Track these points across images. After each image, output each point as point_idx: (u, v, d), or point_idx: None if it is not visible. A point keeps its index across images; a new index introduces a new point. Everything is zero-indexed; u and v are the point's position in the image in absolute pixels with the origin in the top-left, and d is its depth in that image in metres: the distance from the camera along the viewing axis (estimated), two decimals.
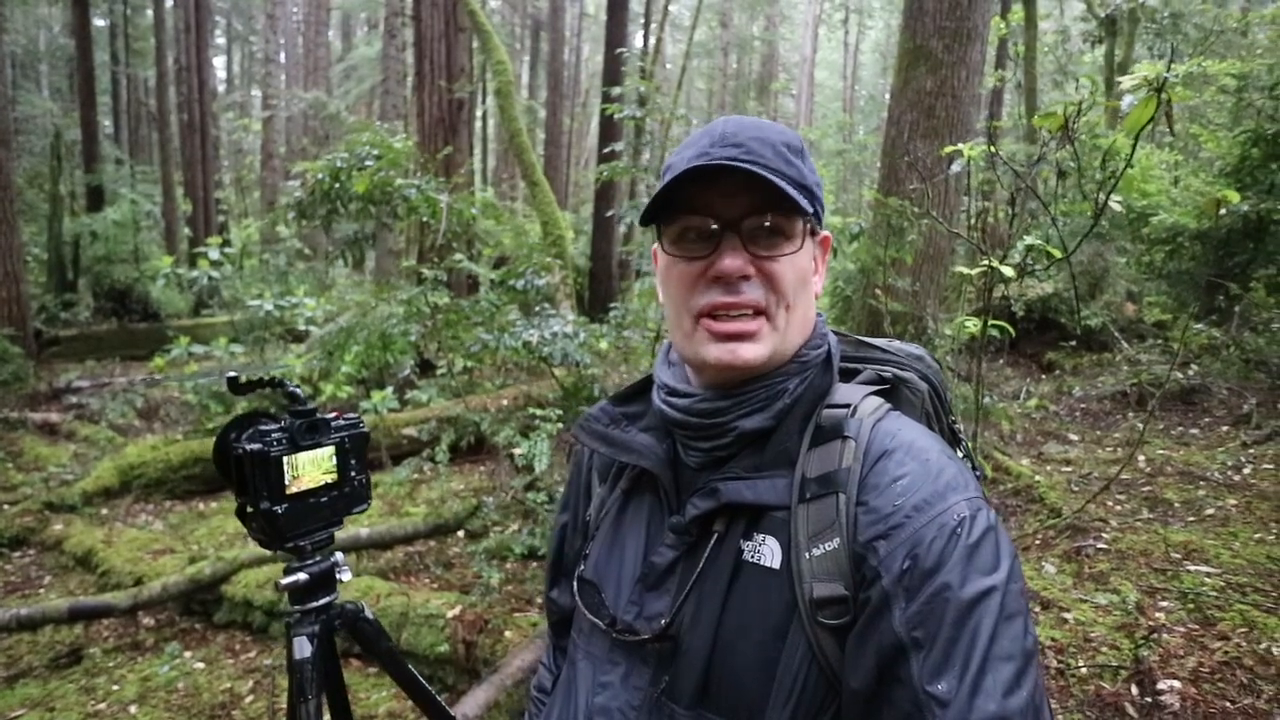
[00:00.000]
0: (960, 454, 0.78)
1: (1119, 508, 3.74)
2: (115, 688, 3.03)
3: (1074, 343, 6.79)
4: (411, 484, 5.06)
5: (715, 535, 0.71)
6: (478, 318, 4.15)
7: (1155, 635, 2.40)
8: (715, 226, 0.70)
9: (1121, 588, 2.77)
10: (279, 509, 0.88)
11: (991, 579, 0.60)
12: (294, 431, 0.88)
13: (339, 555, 1.00)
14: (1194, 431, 4.98)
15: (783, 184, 0.68)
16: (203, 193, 14.13)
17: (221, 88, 25.79)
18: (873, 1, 26.30)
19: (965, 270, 1.94)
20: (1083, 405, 5.79)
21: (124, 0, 16.70)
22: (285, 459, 0.87)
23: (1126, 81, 1.58)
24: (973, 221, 2.47)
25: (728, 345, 0.70)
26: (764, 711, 0.65)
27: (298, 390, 0.92)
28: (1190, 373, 5.59)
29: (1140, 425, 4.53)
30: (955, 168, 2.28)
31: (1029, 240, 1.90)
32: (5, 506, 4.90)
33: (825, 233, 0.80)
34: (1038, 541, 3.38)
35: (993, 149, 2.15)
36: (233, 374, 0.87)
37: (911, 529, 0.63)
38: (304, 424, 0.89)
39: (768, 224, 0.71)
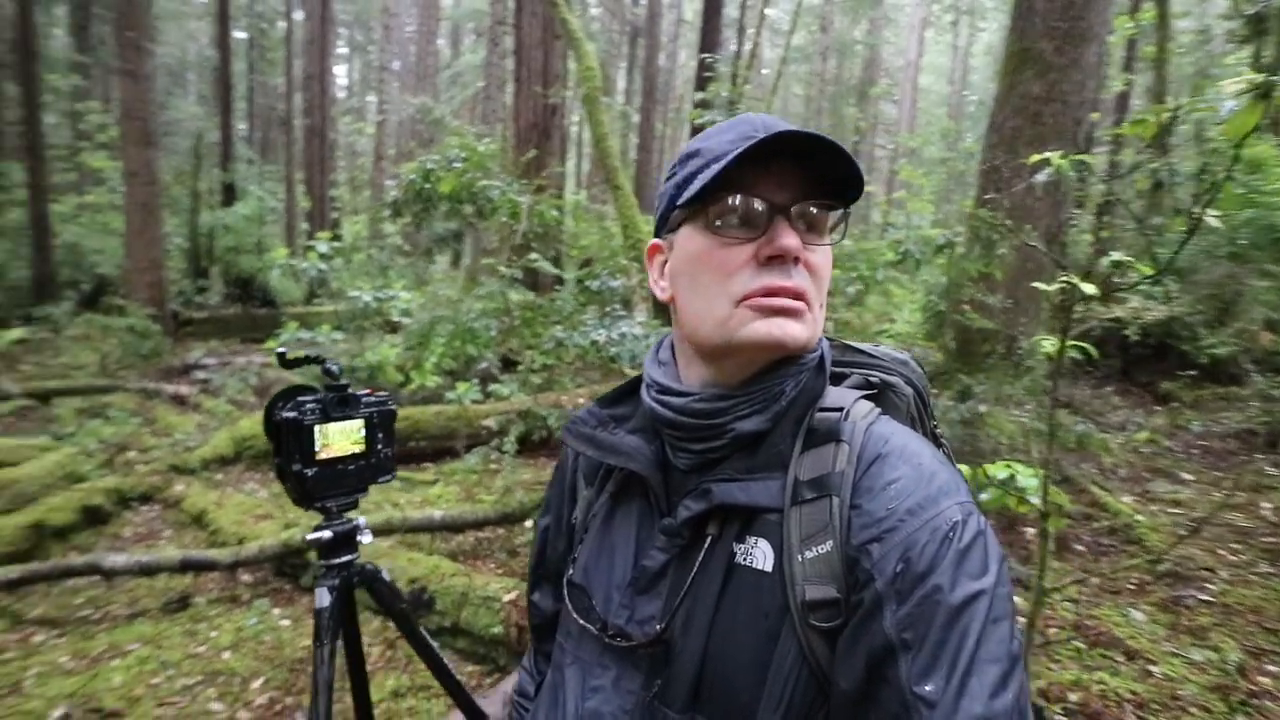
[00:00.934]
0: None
1: (1232, 558, 3.39)
2: (213, 634, 3.32)
3: (1195, 373, 6.19)
4: (489, 473, 5.27)
5: (708, 538, 0.71)
6: (555, 316, 4.27)
7: (1256, 701, 2.17)
8: (767, 207, 0.69)
9: (1223, 645, 2.52)
10: (309, 472, 0.95)
11: (980, 583, 0.61)
12: (327, 404, 0.96)
13: (361, 520, 1.07)
14: None
15: (853, 163, 0.69)
16: (320, 190, 15.22)
17: (342, 94, 27.71)
18: (985, 2, 25.00)
19: (1043, 286, 1.83)
20: (1202, 442, 5.28)
21: (260, 14, 18.27)
22: (317, 428, 0.94)
23: (1230, 86, 1.46)
24: (1057, 235, 2.32)
25: (776, 320, 0.69)
26: (755, 714, 0.65)
27: (333, 367, 0.99)
28: None
29: (1269, 469, 4.09)
30: (1041, 177, 2.15)
31: (1115, 255, 1.76)
32: (140, 466, 5.47)
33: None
34: (1130, 585, 3.12)
35: (1084, 158, 2.02)
36: (281, 350, 0.95)
37: (905, 532, 0.63)
38: (336, 398, 0.97)
39: (814, 211, 0.71)
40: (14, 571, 3.50)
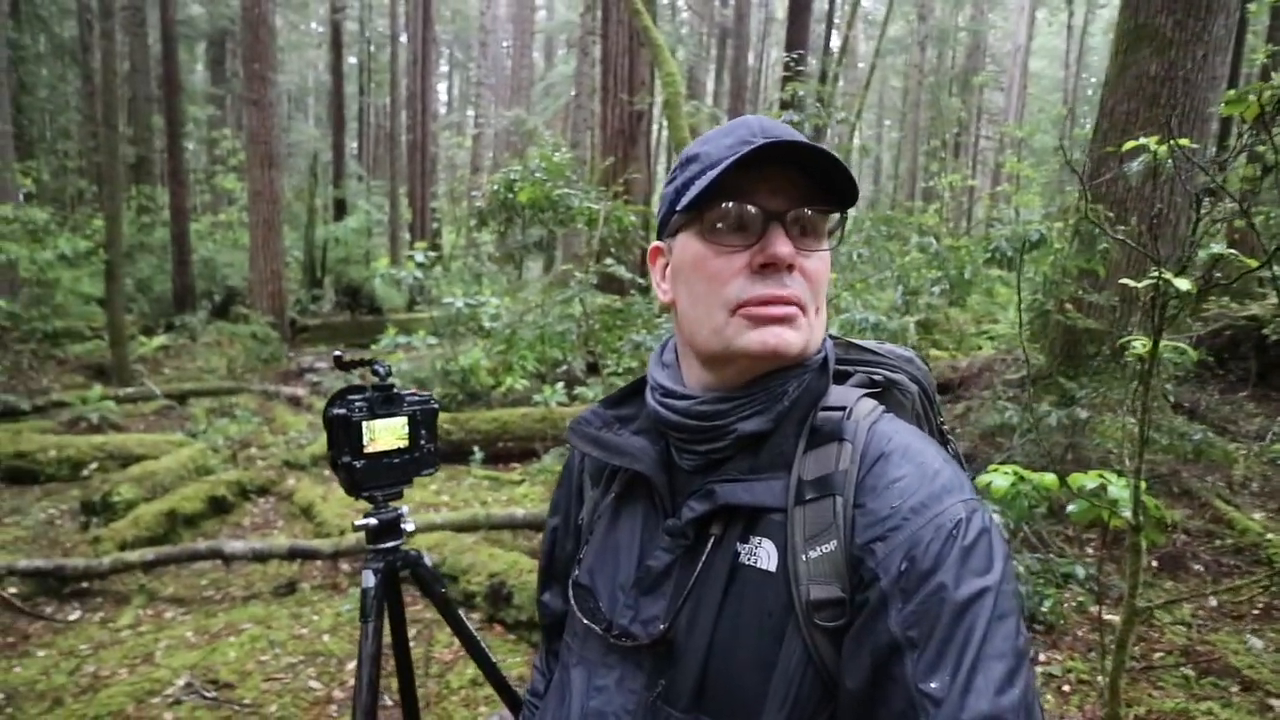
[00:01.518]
0: (950, 454, 0.75)
1: None
2: (315, 618, 3.60)
3: None
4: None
5: (712, 538, 0.71)
6: (635, 320, 4.34)
7: None
8: (761, 214, 0.69)
9: None
10: (357, 464, 1.04)
11: (985, 580, 0.60)
12: (373, 402, 1.04)
13: (405, 509, 1.15)
14: None
15: (844, 169, 0.69)
16: (421, 203, 16.12)
17: (442, 110, 29.19)
18: None
19: (1131, 283, 1.71)
20: None
21: (369, 40, 19.58)
22: (365, 424, 1.03)
23: None
24: (1145, 226, 2.13)
25: (771, 329, 0.69)
26: (760, 714, 0.65)
27: (381, 368, 1.08)
28: None
29: None
30: (1136, 165, 2.01)
31: (1216, 248, 1.62)
32: (259, 461, 6.00)
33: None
34: (1255, 610, 2.82)
35: (1185, 142, 1.86)
36: (338, 353, 1.05)
37: (909, 531, 0.62)
38: (382, 396, 1.06)
39: (809, 216, 0.71)
40: (150, 554, 3.94)
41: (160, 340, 10.00)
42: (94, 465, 5.57)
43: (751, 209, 0.70)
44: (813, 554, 0.66)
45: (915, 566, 0.61)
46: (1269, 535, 3.39)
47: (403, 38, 17.43)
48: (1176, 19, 4.90)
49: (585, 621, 0.78)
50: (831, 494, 0.67)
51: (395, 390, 1.10)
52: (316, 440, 6.32)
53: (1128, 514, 1.82)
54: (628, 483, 0.82)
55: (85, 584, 3.87)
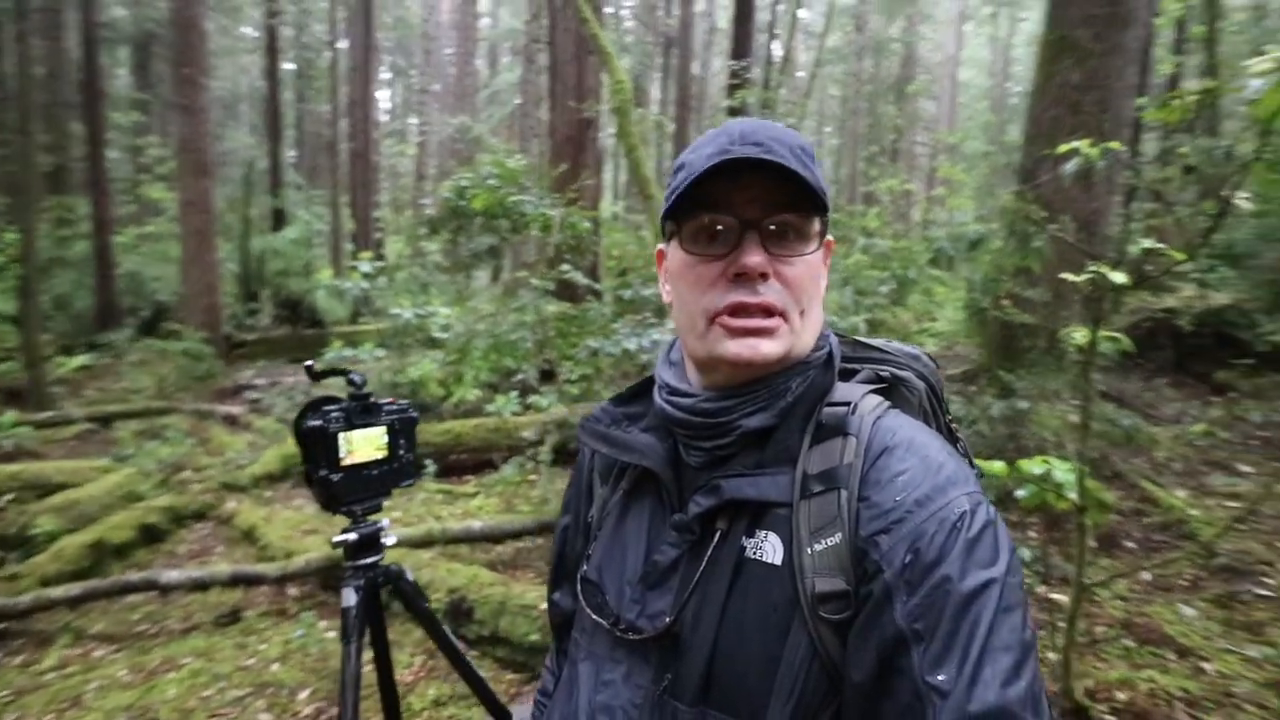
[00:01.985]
0: (959, 451, 0.76)
1: None
2: (262, 646, 3.45)
3: (1254, 361, 5.91)
4: (528, 483, 5.35)
5: (718, 532, 0.71)
6: (590, 326, 4.33)
7: None
8: (736, 223, 0.71)
9: (1279, 641, 2.41)
10: (334, 477, 1.01)
11: (990, 572, 0.61)
12: (350, 412, 1.01)
13: (385, 522, 1.12)
14: None
15: (811, 179, 0.69)
16: (364, 212, 15.73)
17: (384, 118, 28.56)
18: None
19: (1071, 277, 1.80)
20: (1261, 433, 5.03)
21: (306, 45, 19.02)
22: (341, 435, 1.00)
23: (1255, 65, 1.42)
24: (1099, 225, 2.26)
25: (747, 340, 0.71)
26: (766, 708, 0.66)
27: (356, 378, 1.05)
28: None
29: None
30: (1071, 167, 2.12)
31: (1145, 243, 1.73)
32: (194, 485, 5.72)
33: (829, 238, 0.80)
34: (1183, 582, 3.01)
35: (1114, 146, 1.98)
36: (309, 363, 1.02)
37: (913, 523, 0.63)
38: (359, 406, 1.03)
39: (787, 223, 0.71)
40: (76, 589, 3.68)
41: (81, 360, 9.46)
42: (9, 497, 5.20)
43: (727, 219, 0.71)
44: (818, 547, 0.66)
45: (920, 559, 0.62)
46: (1192, 511, 3.61)
47: (342, 43, 17.01)
48: (1095, 31, 5.21)
49: (593, 616, 0.78)
50: (836, 488, 0.68)
51: (373, 399, 1.07)
52: (257, 460, 6.07)
53: (1074, 496, 1.92)
54: (636, 479, 0.83)
55: (2, 625, 3.61)
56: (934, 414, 0.80)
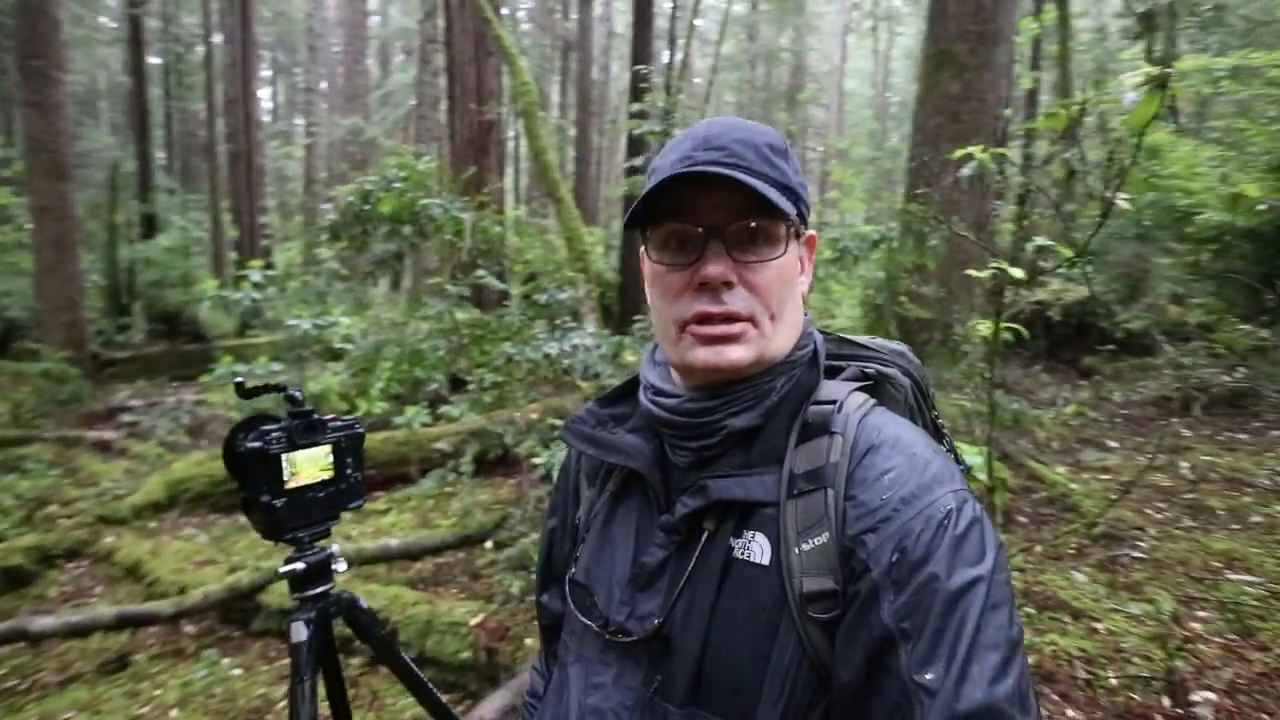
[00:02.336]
0: (945, 448, 0.78)
1: (1158, 515, 3.62)
2: (158, 692, 3.15)
3: (1114, 347, 6.59)
4: (445, 496, 5.17)
5: (705, 533, 0.71)
6: (504, 333, 4.24)
7: (1190, 646, 2.32)
8: (700, 232, 0.70)
9: (1157, 597, 2.69)
10: (277, 502, 0.93)
11: (977, 569, 0.61)
12: (292, 431, 0.94)
13: (335, 547, 1.05)
14: (1242, 437, 4.79)
15: (765, 187, 0.69)
16: (248, 218, 14.69)
17: (267, 118, 26.84)
18: (902, 8, 26.08)
19: (975, 273, 1.93)
20: (1124, 411, 5.61)
21: (176, 39, 17.58)
22: (284, 456, 0.93)
23: (1128, 79, 1.57)
24: (985, 224, 2.45)
25: (714, 347, 0.71)
26: (756, 708, 0.65)
27: (296, 394, 0.98)
28: (1238, 376, 5.37)
29: (1184, 431, 4.39)
30: (966, 171, 2.27)
31: (1039, 240, 1.88)
32: (62, 520, 5.14)
33: (811, 232, 0.80)
34: (1070, 550, 3.30)
35: (1002, 151, 2.14)
36: (239, 379, 0.93)
37: (899, 522, 0.63)
38: (302, 424, 0.95)
39: (752, 229, 0.71)
40: None
41: None
42: None
43: (689, 228, 0.71)
44: (805, 546, 0.66)
45: (906, 557, 0.62)
46: (1073, 486, 3.97)
47: (216, 37, 15.84)
48: (970, 47, 5.64)
49: (582, 619, 0.77)
50: (823, 486, 0.68)
51: (316, 416, 0.99)
52: (138, 489, 5.55)
53: (983, 477, 2.06)
54: (623, 480, 0.82)
55: None
56: (920, 411, 0.81)
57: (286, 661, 3.28)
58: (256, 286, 6.92)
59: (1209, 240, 6.70)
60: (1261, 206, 4.20)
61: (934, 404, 0.84)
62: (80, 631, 3.47)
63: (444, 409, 5.93)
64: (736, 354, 0.71)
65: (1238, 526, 3.32)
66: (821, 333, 0.83)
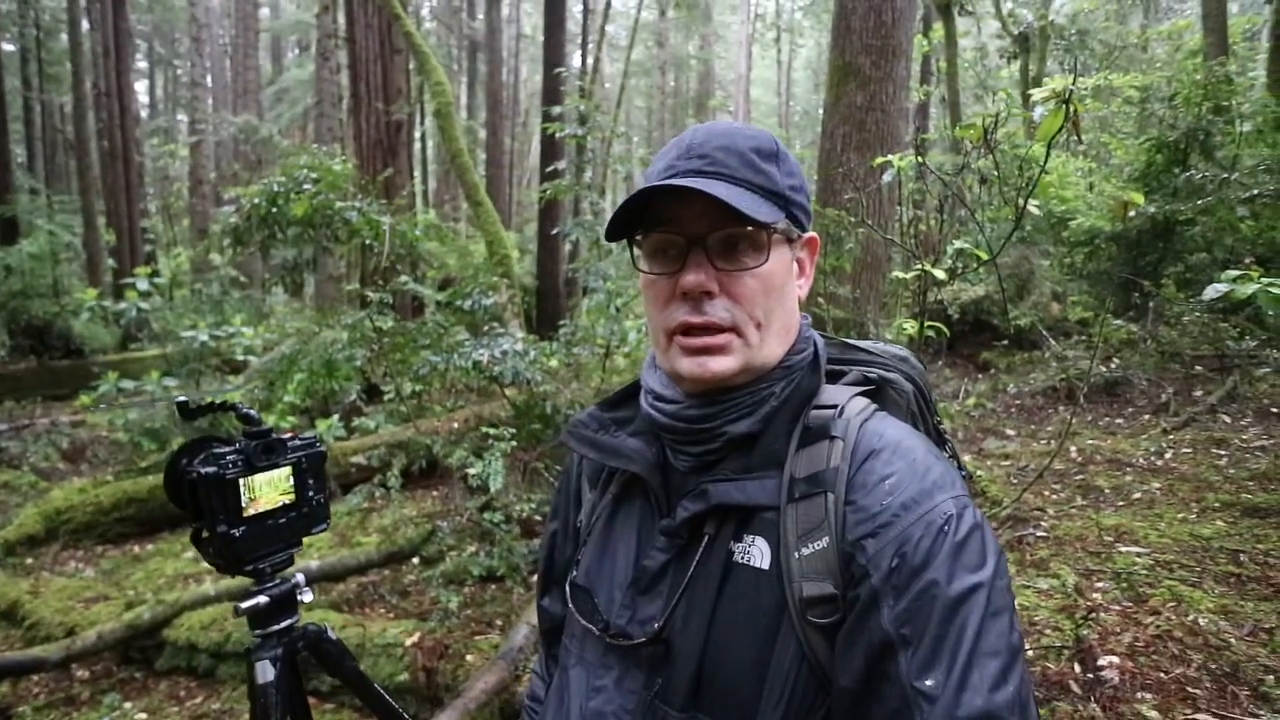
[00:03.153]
0: (946, 453, 0.79)
1: (1055, 497, 3.93)
2: None
3: (1006, 342, 7.12)
4: (362, 513, 4.93)
5: (706, 537, 0.71)
6: (425, 340, 4.10)
7: (1094, 615, 2.53)
8: (682, 241, 0.70)
9: (1060, 572, 2.91)
10: (236, 532, 0.86)
11: (978, 575, 0.61)
12: (249, 453, 0.86)
13: (300, 576, 0.98)
14: (1119, 421, 5.28)
15: (741, 197, 0.68)
16: (127, 222, 13.51)
17: (145, 113, 24.81)
18: (802, 22, 27.24)
19: (901, 275, 2.03)
20: (1017, 402, 6.06)
21: (36, 24, 15.93)
22: (241, 481, 0.85)
23: (1037, 94, 1.70)
24: (906, 229, 2.59)
25: (697, 359, 0.71)
26: (756, 712, 0.65)
27: (251, 412, 0.90)
28: (1113, 366, 5.92)
29: (1069, 418, 4.79)
30: (887, 177, 2.38)
31: (959, 244, 2.00)
32: None
33: (811, 234, 0.79)
34: None
35: (920, 160, 2.26)
36: (182, 399, 0.85)
37: (899, 527, 0.63)
38: (259, 445, 0.88)
39: (733, 237, 0.70)
40: None
41: None
42: None
43: (673, 236, 0.71)
44: (805, 551, 0.67)
45: (906, 563, 0.62)
46: (979, 472, 4.26)
47: (85, 24, 14.48)
48: (873, 59, 5.94)
49: (584, 622, 0.76)
50: (823, 491, 0.68)
51: (274, 435, 0.91)
52: (8, 521, 5.00)
53: None
54: (625, 484, 0.82)
55: None
56: (922, 416, 0.81)
57: (199, 700, 3.03)
58: (143, 295, 6.39)
59: (1081, 244, 7.37)
60: (1131, 214, 4.66)
61: (936, 410, 0.85)
62: None
63: (359, 421, 5.67)
64: (719, 365, 0.71)
65: (1123, 503, 3.65)
66: (823, 336, 0.83)
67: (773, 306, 0.73)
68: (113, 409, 6.38)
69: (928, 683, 0.58)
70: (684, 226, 0.71)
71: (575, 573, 0.82)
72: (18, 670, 3.17)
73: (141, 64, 26.67)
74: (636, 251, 0.76)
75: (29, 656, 3.20)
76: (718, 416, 0.73)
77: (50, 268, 11.26)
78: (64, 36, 15.50)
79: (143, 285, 5.96)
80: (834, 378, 0.79)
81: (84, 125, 13.91)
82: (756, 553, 0.69)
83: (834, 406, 0.74)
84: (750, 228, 0.71)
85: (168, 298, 10.25)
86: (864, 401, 0.75)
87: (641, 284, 0.77)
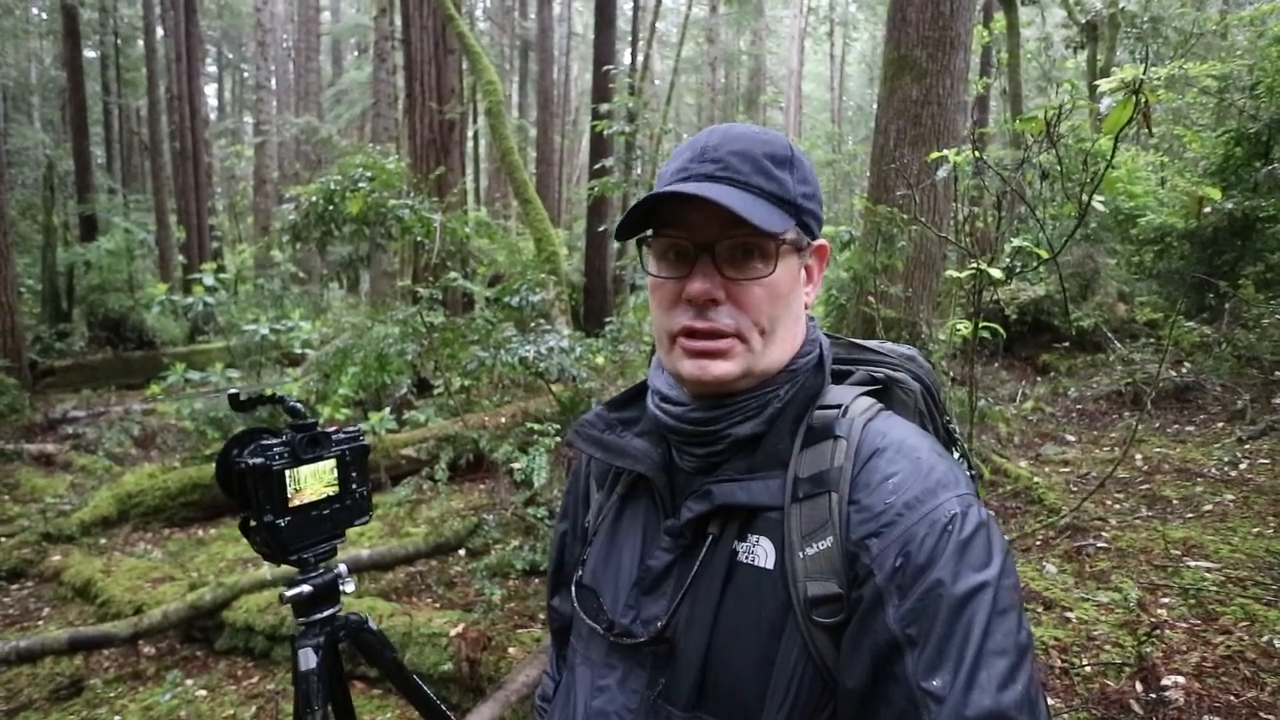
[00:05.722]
0: (956, 453, 0.78)
1: (1118, 506, 3.75)
2: (116, 718, 3.01)
3: (1067, 344, 6.83)
4: (411, 504, 5.05)
5: (710, 537, 0.71)
6: (473, 335, 4.16)
7: (1158, 632, 2.41)
8: (690, 246, 0.70)
9: (1123, 585, 2.78)
10: (282, 522, 0.88)
11: (984, 574, 0.60)
12: (295, 445, 0.89)
13: (342, 567, 1.00)
14: (1190, 429, 5.01)
15: (750, 206, 0.67)
16: (196, 220, 14.17)
17: (213, 115, 25.97)
18: (856, 14, 26.66)
19: (955, 274, 1.96)
20: (1078, 406, 5.81)
21: (115, 32, 16.83)
22: (287, 472, 0.88)
23: (1105, 84, 1.62)
24: (962, 226, 2.50)
25: (699, 362, 0.71)
26: (760, 712, 0.65)
27: (298, 405, 0.93)
28: (1184, 371, 5.62)
29: (1135, 423, 4.56)
30: (942, 173, 2.31)
31: (1017, 242, 1.92)
32: (2, 539, 4.87)
33: (821, 241, 0.78)
34: (1038, 542, 3.39)
35: (978, 155, 2.18)
36: (234, 391, 0.88)
37: (903, 526, 0.63)
38: (305, 438, 0.91)
39: (742, 246, 0.70)
40: None
41: None
42: None
43: (682, 241, 0.71)
44: (809, 551, 0.66)
45: (910, 562, 0.61)
46: (1036, 479, 4.09)
47: (159, 31, 15.22)
48: (929, 51, 5.76)
49: (588, 622, 0.77)
50: (827, 490, 0.67)
51: (319, 429, 0.94)
52: (85, 504, 5.29)
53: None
54: (631, 484, 0.82)
55: None
56: (930, 415, 0.80)
57: (255, 680, 3.16)
58: (209, 290, 6.68)
59: (1151, 241, 7.02)
60: (1207, 210, 4.40)
61: (945, 409, 0.84)
62: (29, 656, 3.28)
63: (409, 414, 5.81)
64: (720, 369, 0.71)
65: (1192, 515, 3.46)
66: (830, 336, 0.83)
67: (778, 314, 0.73)
68: (180, 398, 6.69)
69: (935, 683, 0.58)
70: (693, 232, 0.70)
71: (581, 573, 0.82)
72: (90, 645, 3.35)
73: (211, 68, 27.90)
74: (645, 251, 0.76)
75: (100, 632, 3.38)
76: (723, 419, 0.73)
77: (126, 263, 11.91)
78: (140, 43, 16.33)
79: (209, 281, 6.24)
80: (840, 378, 0.79)
81: (158, 127, 14.63)
82: (761, 553, 0.69)
83: (838, 406, 0.73)
84: (759, 237, 0.70)
85: (232, 293, 10.70)
86: (869, 401, 0.75)
87: (649, 284, 0.77)
